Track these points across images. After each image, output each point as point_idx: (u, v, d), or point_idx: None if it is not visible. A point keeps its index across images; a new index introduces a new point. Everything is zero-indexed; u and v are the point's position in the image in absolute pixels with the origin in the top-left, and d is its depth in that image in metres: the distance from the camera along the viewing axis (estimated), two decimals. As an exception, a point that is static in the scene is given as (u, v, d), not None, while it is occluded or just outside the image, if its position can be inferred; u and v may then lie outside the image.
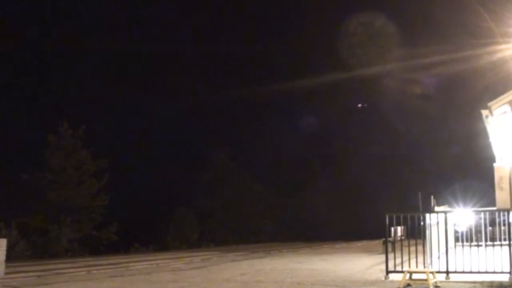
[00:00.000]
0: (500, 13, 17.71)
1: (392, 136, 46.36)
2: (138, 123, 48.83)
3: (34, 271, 15.60)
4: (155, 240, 33.40)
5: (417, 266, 10.97)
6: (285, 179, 46.59)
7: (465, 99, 31.08)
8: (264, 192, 44.78)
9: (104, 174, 29.61)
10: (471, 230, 15.51)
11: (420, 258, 11.34)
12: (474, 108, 18.86)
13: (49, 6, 53.86)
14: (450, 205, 17.04)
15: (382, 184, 44.41)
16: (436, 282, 9.98)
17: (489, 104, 15.88)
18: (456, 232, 17.72)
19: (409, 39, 40.59)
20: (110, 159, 30.32)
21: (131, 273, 14.25)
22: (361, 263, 15.90)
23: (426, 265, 11.56)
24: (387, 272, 11.24)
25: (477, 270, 10.64)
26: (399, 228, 16.44)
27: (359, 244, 30.04)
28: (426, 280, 9.76)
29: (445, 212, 13.01)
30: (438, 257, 13.25)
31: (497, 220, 18.10)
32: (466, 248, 11.99)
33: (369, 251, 21.61)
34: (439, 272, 10.63)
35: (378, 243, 24.16)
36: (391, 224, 12.18)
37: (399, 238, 14.54)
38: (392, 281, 10.66)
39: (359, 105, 50.84)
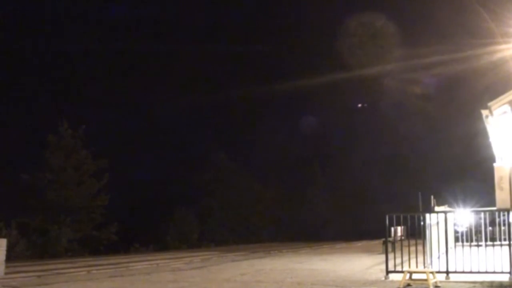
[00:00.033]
0: (500, 13, 17.72)
1: (392, 136, 46.41)
2: (138, 123, 48.84)
3: (34, 271, 15.60)
4: (155, 240, 33.41)
5: (417, 266, 10.98)
6: (285, 179, 46.61)
7: (465, 99, 31.11)
8: (264, 192, 44.79)
9: (104, 174, 29.61)
10: (471, 230, 15.51)
11: (420, 258, 11.34)
12: (474, 108, 18.86)
13: (49, 6, 53.90)
14: (450, 205, 17.03)
15: (382, 184, 44.42)
16: (436, 282, 9.99)
17: (489, 104, 15.87)
18: (456, 232, 17.73)
19: (409, 39, 40.60)
20: (110, 159, 30.35)
21: (131, 273, 14.25)
22: (361, 263, 15.91)
23: (426, 265, 11.56)
24: (387, 272, 11.24)
25: (477, 270, 10.64)
26: (399, 228, 16.44)
27: (359, 244, 30.05)
28: (426, 280, 9.76)
29: (445, 212, 13.01)
30: (438, 257, 13.26)
31: (497, 220, 18.11)
32: (466, 248, 11.99)
33: (369, 251, 21.61)
34: (439, 272, 10.63)
35: (378, 243, 24.16)
36: (391, 224, 12.18)
37: (399, 238, 14.54)
38: (392, 281, 10.66)
39: (359, 105, 50.91)
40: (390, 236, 15.22)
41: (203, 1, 59.80)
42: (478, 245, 13.66)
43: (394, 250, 12.53)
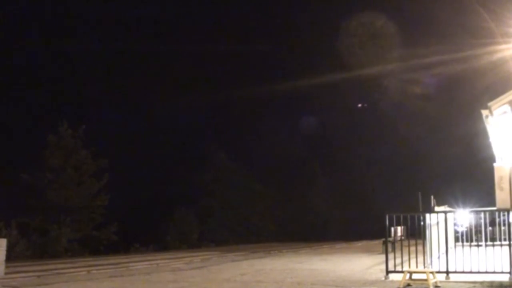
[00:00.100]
0: (500, 13, 17.72)
1: (392, 136, 46.39)
2: (138, 123, 48.83)
3: (34, 271, 15.60)
4: (155, 240, 33.41)
5: (417, 266, 10.98)
6: (285, 179, 46.60)
7: (465, 99, 31.12)
8: (264, 192, 44.79)
9: (104, 174, 29.61)
10: (471, 230, 15.52)
11: (420, 258, 11.34)
12: (474, 108, 18.88)
13: (49, 6, 53.88)
14: (450, 205, 17.02)
15: (382, 184, 44.43)
16: (436, 282, 9.99)
17: (489, 104, 15.87)
18: (456, 232, 17.73)
19: (409, 39, 40.54)
20: (110, 159, 30.34)
21: (131, 273, 14.25)
22: (361, 263, 15.91)
23: (426, 265, 11.56)
24: (387, 272, 11.24)
25: (477, 270, 10.64)
26: (399, 228, 16.44)
27: (359, 244, 30.05)
28: (426, 280, 9.76)
29: (445, 212, 13.01)
30: (438, 257, 13.26)
31: (497, 220, 18.11)
32: (466, 248, 11.99)
33: (369, 251, 21.61)
34: (439, 272, 10.64)
35: (378, 243, 24.16)
36: (391, 224, 12.18)
37: (399, 238, 14.54)
38: (392, 281, 10.67)
39: (359, 105, 50.91)
40: (390, 236, 15.22)
41: (203, 1, 59.83)
42: (478, 245, 13.65)
43: (394, 250, 12.53)
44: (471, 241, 14.53)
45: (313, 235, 40.21)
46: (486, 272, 10.48)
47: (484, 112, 16.51)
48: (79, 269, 15.99)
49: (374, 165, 47.91)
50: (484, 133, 18.88)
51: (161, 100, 47.90)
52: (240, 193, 43.16)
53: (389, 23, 35.19)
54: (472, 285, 9.90)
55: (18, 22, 49.24)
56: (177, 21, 58.13)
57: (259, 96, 47.26)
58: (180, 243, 34.23)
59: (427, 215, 12.35)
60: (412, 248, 11.37)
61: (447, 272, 10.74)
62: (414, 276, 10.26)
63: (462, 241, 15.19)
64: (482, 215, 14.43)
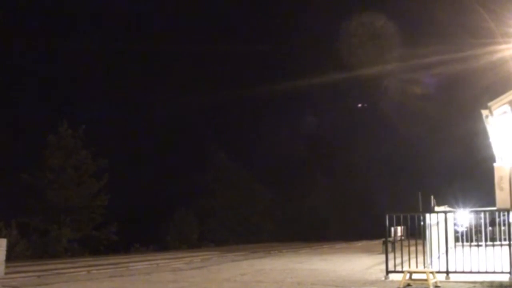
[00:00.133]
0: (500, 13, 17.72)
1: (392, 136, 46.38)
2: (138, 123, 48.82)
3: (34, 271, 15.60)
4: (155, 240, 33.42)
5: (417, 266, 10.98)
6: (285, 179, 46.60)
7: (465, 99, 31.11)
8: (264, 192, 44.79)
9: (104, 174, 29.60)
10: (471, 230, 15.51)
11: (420, 258, 11.34)
12: (474, 108, 18.88)
13: (49, 6, 53.86)
14: (450, 205, 17.03)
15: (382, 184, 44.41)
16: (436, 282, 9.99)
17: (489, 104, 15.87)
18: (456, 232, 17.73)
19: (409, 39, 40.54)
20: (110, 159, 30.34)
21: (131, 273, 14.25)
22: (361, 263, 15.91)
23: (426, 265, 11.56)
24: (387, 272, 11.24)
25: (477, 270, 10.64)
26: (399, 228, 16.44)
27: (359, 244, 30.05)
28: (426, 280, 9.76)
29: (445, 212, 13.01)
30: (438, 257, 13.26)
31: (497, 220, 18.10)
32: (466, 248, 11.99)
33: (369, 251, 21.61)
34: (439, 272, 10.64)
35: (378, 243, 24.16)
36: (391, 224, 12.18)
37: (399, 238, 14.54)
38: (392, 281, 10.67)
39: (359, 105, 50.92)
40: (390, 236, 15.22)
41: (203, 1, 59.79)
42: (478, 245, 13.65)
43: (394, 250, 12.53)
44: (471, 241, 14.53)
45: (313, 235, 40.18)
46: (486, 272, 10.48)
47: (484, 112, 16.51)
48: (79, 269, 16.00)
49: (374, 165, 47.92)
50: (484, 133, 18.88)
51: (161, 100, 47.97)
52: (240, 193, 43.15)
53: (389, 23, 35.22)
54: (472, 285, 9.90)
55: (17, 22, 49.26)
56: (178, 21, 58.19)
57: (259, 96, 47.33)
58: (180, 243, 34.23)
59: (427, 215, 12.35)
60: (412, 248, 11.36)
61: (447, 272, 10.74)
62: (414, 276, 10.26)
63: (462, 241, 15.19)
64: (482, 215, 14.42)
